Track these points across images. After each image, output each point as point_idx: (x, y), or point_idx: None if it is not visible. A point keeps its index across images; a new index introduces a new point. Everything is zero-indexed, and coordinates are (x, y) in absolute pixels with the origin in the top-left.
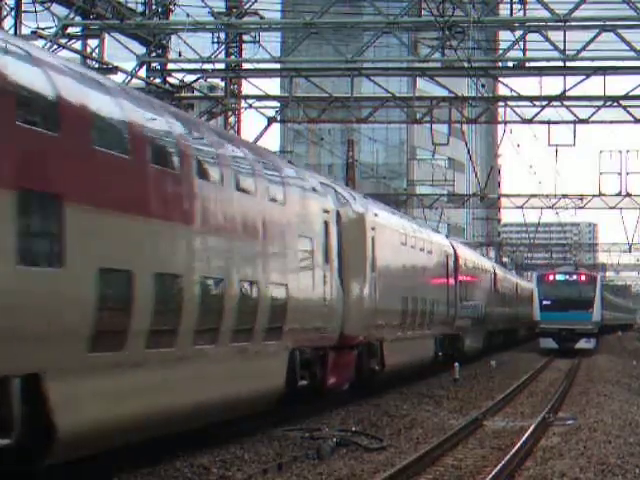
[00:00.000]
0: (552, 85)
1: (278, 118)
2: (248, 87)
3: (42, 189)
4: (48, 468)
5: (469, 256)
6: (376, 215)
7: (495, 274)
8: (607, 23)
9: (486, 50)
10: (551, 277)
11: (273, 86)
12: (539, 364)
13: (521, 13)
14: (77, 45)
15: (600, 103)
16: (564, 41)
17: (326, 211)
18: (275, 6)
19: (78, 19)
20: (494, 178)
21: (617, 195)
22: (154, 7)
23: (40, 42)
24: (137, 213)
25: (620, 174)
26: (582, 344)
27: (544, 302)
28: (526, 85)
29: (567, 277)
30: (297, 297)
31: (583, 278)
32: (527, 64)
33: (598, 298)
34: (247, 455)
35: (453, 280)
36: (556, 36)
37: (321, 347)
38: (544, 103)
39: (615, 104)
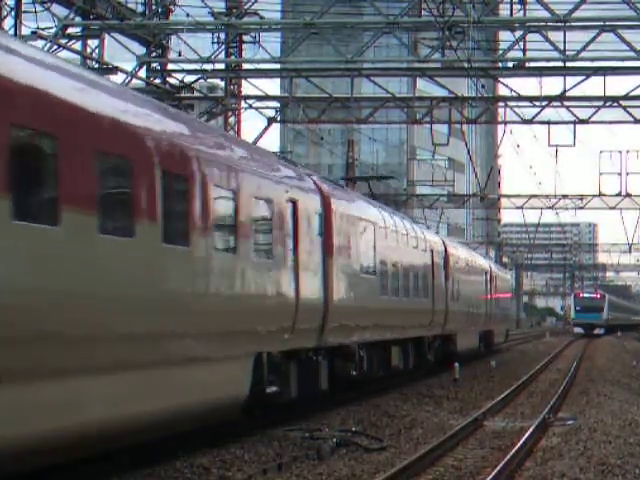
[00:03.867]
0: (552, 85)
1: (278, 118)
2: (248, 87)
3: None
4: (47, 468)
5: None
6: None
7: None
8: (607, 23)
9: (486, 50)
10: (581, 295)
11: (273, 86)
12: (539, 364)
13: (521, 13)
14: (77, 45)
15: (600, 103)
16: (564, 41)
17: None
18: (275, 6)
19: (78, 19)
20: (494, 178)
21: (617, 195)
22: (154, 7)
23: (40, 42)
24: None
25: (620, 174)
26: (597, 331)
27: (577, 308)
28: (526, 85)
29: (589, 295)
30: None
31: (598, 296)
32: (527, 64)
33: (606, 307)
34: (247, 455)
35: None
36: (556, 36)
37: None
38: (544, 103)
39: (615, 104)
